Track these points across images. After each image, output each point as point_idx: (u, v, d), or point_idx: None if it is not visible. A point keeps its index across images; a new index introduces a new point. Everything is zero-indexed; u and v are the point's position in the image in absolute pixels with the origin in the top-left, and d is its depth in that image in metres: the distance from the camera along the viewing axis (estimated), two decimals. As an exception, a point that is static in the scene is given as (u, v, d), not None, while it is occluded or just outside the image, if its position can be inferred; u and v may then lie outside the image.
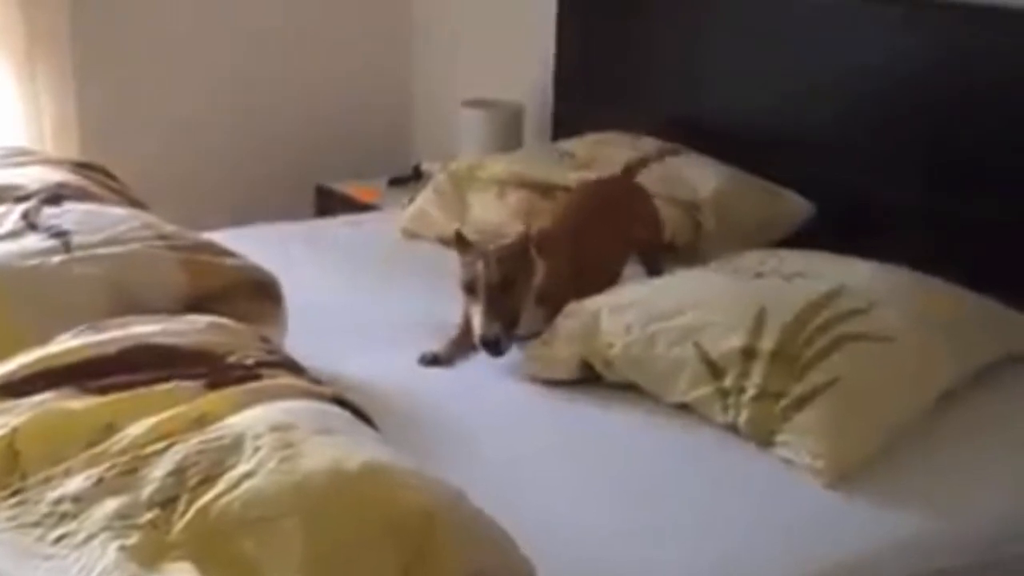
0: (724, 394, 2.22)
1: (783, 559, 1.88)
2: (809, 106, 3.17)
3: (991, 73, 2.79)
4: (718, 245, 2.94)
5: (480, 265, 2.44)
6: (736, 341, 2.24)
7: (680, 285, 2.52)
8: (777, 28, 3.22)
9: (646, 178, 3.00)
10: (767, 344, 2.22)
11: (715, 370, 2.24)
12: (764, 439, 2.17)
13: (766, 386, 2.18)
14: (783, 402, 2.16)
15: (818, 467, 2.09)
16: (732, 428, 2.21)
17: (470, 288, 2.46)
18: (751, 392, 2.19)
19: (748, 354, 2.22)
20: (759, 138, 3.26)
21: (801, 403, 2.15)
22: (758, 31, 3.27)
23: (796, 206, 3.09)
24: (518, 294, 2.47)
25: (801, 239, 3.06)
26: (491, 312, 2.43)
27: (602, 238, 2.70)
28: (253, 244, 2.96)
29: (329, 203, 4.01)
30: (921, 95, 2.93)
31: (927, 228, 2.92)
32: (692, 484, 2.08)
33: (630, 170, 3.02)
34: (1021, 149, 2.75)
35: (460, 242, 2.49)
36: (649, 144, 3.25)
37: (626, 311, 2.38)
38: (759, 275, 2.47)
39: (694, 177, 3.11)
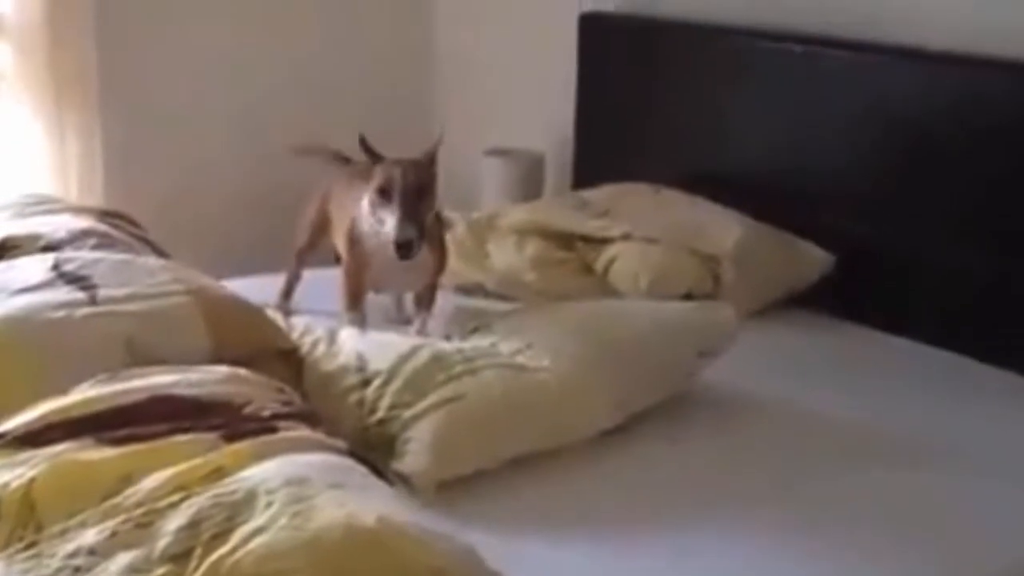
0: (362, 402, 2.26)
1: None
2: (829, 158, 3.17)
3: (1012, 125, 2.79)
4: (738, 298, 2.93)
5: (397, 171, 2.53)
6: (385, 363, 2.29)
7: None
8: (796, 81, 3.24)
9: (656, 226, 3.00)
10: (410, 365, 2.28)
11: (364, 378, 2.29)
12: (388, 448, 2.18)
13: (399, 398, 2.23)
14: (407, 413, 2.20)
15: (417, 481, 2.11)
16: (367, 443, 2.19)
17: (384, 191, 2.54)
18: (387, 401, 2.23)
19: (394, 367, 2.28)
20: (778, 189, 3.26)
21: (423, 414, 2.19)
22: (777, 84, 3.28)
23: (816, 258, 3.09)
24: (428, 203, 2.59)
25: (819, 289, 3.07)
26: (407, 216, 2.51)
27: None
28: (276, 292, 3.01)
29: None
30: (943, 147, 2.93)
31: (945, 280, 2.92)
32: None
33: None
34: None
35: (369, 151, 2.58)
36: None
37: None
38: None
39: (714, 229, 3.11)
